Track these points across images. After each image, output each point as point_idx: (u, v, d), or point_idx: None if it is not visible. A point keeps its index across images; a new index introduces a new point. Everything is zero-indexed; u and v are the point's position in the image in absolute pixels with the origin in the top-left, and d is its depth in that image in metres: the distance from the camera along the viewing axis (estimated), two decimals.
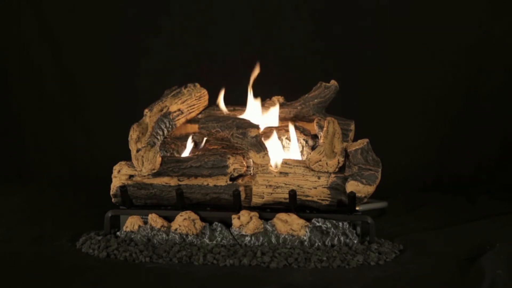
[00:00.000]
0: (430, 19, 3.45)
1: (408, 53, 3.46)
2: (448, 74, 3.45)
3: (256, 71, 2.58)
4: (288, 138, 2.49)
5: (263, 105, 2.57)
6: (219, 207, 2.36)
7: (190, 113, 2.53)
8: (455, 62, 3.44)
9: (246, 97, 2.57)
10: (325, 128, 2.39)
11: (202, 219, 2.31)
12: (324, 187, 2.32)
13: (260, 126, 2.41)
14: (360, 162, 2.29)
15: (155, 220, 2.31)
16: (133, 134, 2.36)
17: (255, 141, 2.33)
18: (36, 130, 3.54)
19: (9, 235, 2.41)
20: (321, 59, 3.50)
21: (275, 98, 2.58)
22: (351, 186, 2.26)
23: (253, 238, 2.27)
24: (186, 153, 2.49)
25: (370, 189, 2.27)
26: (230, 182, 2.35)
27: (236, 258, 2.13)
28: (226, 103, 2.60)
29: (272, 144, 2.42)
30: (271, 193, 2.32)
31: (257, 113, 2.53)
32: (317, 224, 2.27)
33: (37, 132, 3.54)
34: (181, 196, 2.30)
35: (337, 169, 2.32)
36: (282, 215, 2.28)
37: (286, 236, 2.26)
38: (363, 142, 2.32)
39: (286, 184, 2.32)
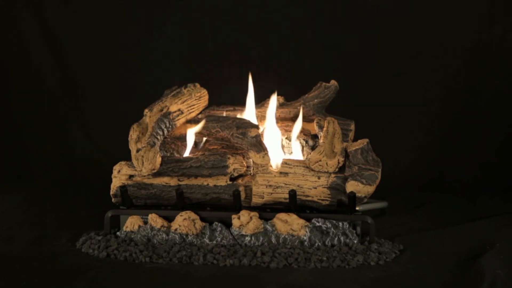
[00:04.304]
0: (430, 19, 3.45)
1: (408, 53, 3.46)
2: (448, 74, 3.45)
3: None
4: (288, 138, 2.49)
5: (262, 105, 2.57)
6: (219, 207, 2.36)
7: (190, 113, 2.53)
8: (455, 62, 3.44)
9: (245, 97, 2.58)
10: (325, 128, 2.39)
11: (202, 219, 2.31)
12: (324, 187, 2.32)
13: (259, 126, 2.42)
14: (360, 162, 2.29)
15: (155, 220, 2.31)
16: (133, 134, 2.36)
17: (255, 141, 2.33)
18: (36, 130, 3.54)
19: (9, 235, 2.41)
20: (321, 59, 3.50)
21: None
22: (351, 186, 2.26)
23: (253, 238, 2.27)
24: (188, 148, 2.48)
25: (370, 189, 2.27)
26: (230, 182, 2.35)
27: (236, 258, 2.13)
28: (226, 103, 2.61)
29: (272, 144, 2.42)
30: (271, 193, 2.32)
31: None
32: (317, 224, 2.27)
33: (37, 132, 3.54)
34: (181, 196, 2.30)
35: (337, 169, 2.32)
36: (282, 215, 2.28)
37: (286, 236, 2.26)
38: (363, 142, 2.32)
39: (286, 184, 2.32)
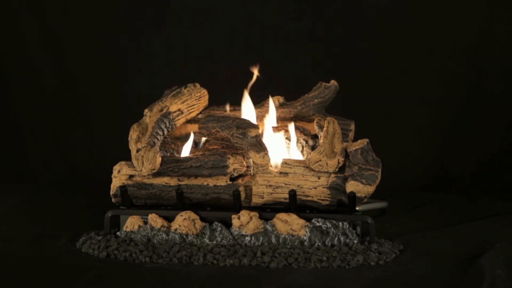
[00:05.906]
0: (430, 19, 3.45)
1: (408, 53, 3.46)
2: (448, 74, 3.45)
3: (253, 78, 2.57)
4: (288, 138, 2.49)
5: (262, 105, 2.57)
6: (219, 207, 2.36)
7: (190, 113, 2.53)
8: (455, 62, 3.44)
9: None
10: (325, 128, 2.39)
11: (202, 219, 2.31)
12: (324, 187, 2.32)
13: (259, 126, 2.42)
14: (360, 162, 2.29)
15: (155, 220, 2.31)
16: (133, 134, 2.36)
17: (255, 141, 2.33)
18: (36, 130, 3.54)
19: (9, 235, 2.41)
20: (321, 59, 3.50)
21: (275, 98, 2.58)
22: (351, 186, 2.26)
23: (253, 238, 2.27)
24: (186, 148, 2.48)
25: (370, 189, 2.27)
26: (230, 182, 2.35)
27: (236, 258, 2.13)
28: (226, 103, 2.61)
29: (272, 144, 2.42)
30: (271, 193, 2.32)
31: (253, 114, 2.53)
32: (317, 224, 2.27)
33: (37, 132, 3.54)
34: (181, 196, 2.30)
35: (337, 169, 2.31)
36: (282, 215, 2.28)
37: (286, 236, 2.26)
38: (363, 142, 2.32)
39: (286, 184, 2.32)
